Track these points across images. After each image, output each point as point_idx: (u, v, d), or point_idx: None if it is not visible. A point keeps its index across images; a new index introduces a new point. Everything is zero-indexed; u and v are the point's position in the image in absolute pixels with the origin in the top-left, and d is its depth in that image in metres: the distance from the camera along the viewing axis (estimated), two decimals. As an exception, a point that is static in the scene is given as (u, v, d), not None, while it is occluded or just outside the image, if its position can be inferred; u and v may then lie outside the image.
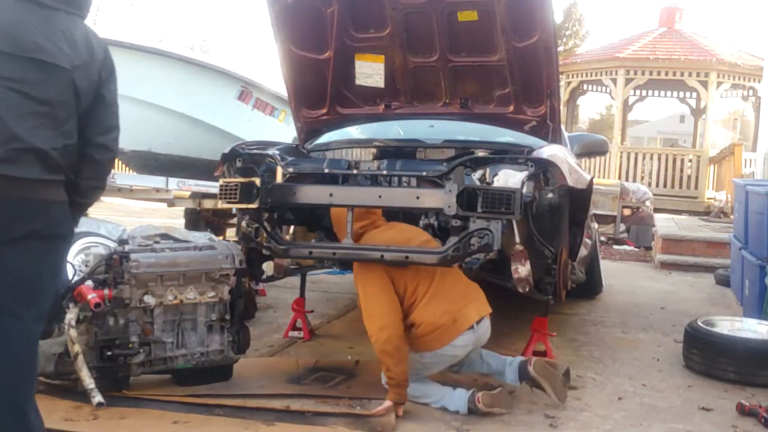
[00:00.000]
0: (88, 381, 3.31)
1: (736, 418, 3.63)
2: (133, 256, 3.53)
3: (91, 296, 3.39)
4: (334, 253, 3.65)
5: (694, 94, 16.60)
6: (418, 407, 3.53)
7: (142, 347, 3.53)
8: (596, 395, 3.90)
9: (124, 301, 3.50)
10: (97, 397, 3.28)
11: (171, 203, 6.83)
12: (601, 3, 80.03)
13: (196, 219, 6.88)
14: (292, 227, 4.50)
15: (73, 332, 3.35)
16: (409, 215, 4.26)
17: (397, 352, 3.36)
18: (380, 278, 3.45)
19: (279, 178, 4.00)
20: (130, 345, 3.49)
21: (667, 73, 14.38)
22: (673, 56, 14.44)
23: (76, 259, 4.29)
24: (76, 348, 3.33)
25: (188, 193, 6.84)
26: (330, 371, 3.96)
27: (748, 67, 14.20)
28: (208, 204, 6.73)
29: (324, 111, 4.86)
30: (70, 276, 3.73)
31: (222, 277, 3.66)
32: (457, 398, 3.51)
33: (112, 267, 3.53)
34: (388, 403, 3.37)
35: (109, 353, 3.46)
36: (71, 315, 3.38)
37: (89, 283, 3.47)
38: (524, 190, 3.57)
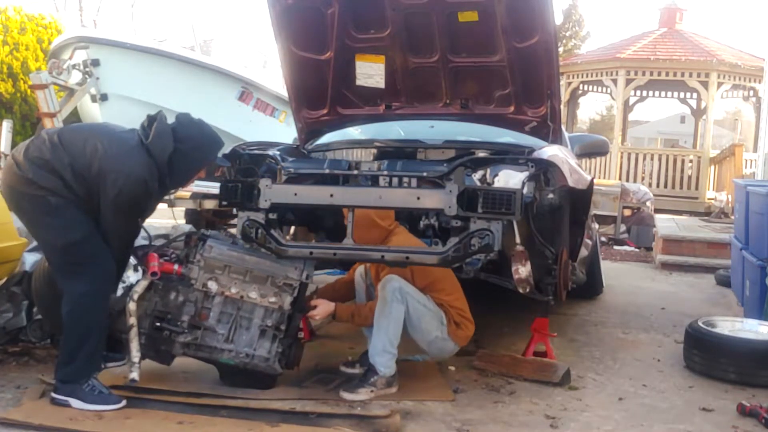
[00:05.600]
0: (135, 354, 3.49)
1: (737, 418, 3.62)
2: (210, 240, 3.65)
3: (153, 264, 3.56)
4: (334, 254, 3.65)
5: (695, 95, 16.59)
6: (420, 408, 3.54)
7: (192, 329, 3.62)
8: (597, 396, 3.90)
9: (190, 281, 3.63)
10: (134, 374, 3.46)
11: (171, 203, 6.81)
12: (601, 3, 80.00)
13: (196, 219, 6.87)
14: (292, 227, 4.50)
15: (132, 306, 3.51)
16: (409, 216, 4.26)
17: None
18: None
19: (280, 179, 4.01)
20: (179, 323, 3.60)
21: (667, 74, 14.37)
22: (674, 57, 14.43)
23: None
24: (132, 320, 3.50)
25: (189, 194, 6.83)
26: (330, 373, 3.95)
27: (749, 68, 14.19)
28: (209, 204, 6.71)
29: (324, 111, 4.87)
30: (146, 242, 3.88)
31: (285, 286, 3.66)
32: (390, 363, 3.66)
33: (189, 245, 3.69)
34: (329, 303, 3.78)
35: (158, 324, 3.59)
36: (138, 288, 3.55)
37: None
38: (525, 191, 3.57)
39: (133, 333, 3.51)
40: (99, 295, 3.40)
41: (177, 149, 3.38)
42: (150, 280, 3.56)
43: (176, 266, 3.63)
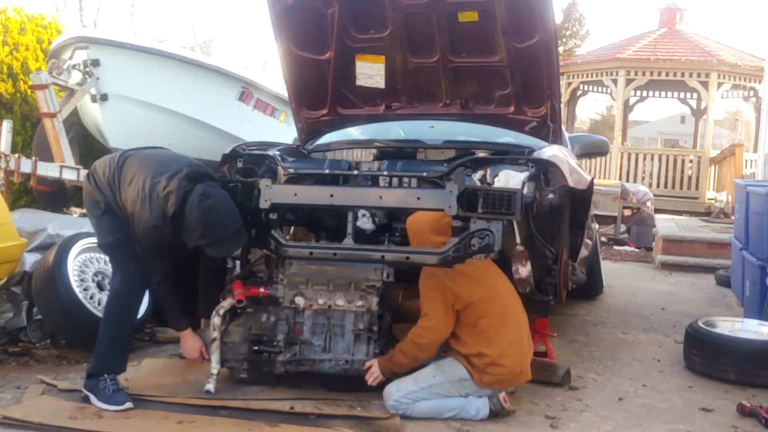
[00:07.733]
0: (215, 366, 3.62)
1: (737, 418, 3.63)
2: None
3: (238, 292, 3.66)
4: (334, 254, 3.65)
5: (695, 95, 16.57)
6: (419, 408, 3.53)
7: (289, 346, 3.66)
8: (597, 396, 3.90)
9: (278, 300, 3.69)
10: (209, 385, 3.56)
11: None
12: (601, 3, 80.00)
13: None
14: (292, 228, 4.50)
15: (216, 320, 3.62)
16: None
17: (421, 356, 3.49)
18: (442, 291, 3.45)
19: (280, 179, 4.00)
20: (275, 343, 3.65)
21: (667, 74, 14.36)
22: (674, 57, 14.41)
23: (76, 261, 4.29)
24: (215, 334, 3.63)
25: None
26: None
27: (749, 68, 14.18)
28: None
29: (324, 112, 4.86)
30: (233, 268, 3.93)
31: (368, 288, 3.68)
32: (476, 404, 3.48)
33: (270, 266, 3.76)
34: (373, 360, 3.53)
35: (256, 348, 3.65)
36: (225, 304, 3.65)
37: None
38: (525, 191, 3.57)
39: (215, 346, 3.62)
40: (122, 297, 3.55)
41: (177, 213, 3.37)
42: (235, 302, 3.66)
43: (261, 289, 3.71)
